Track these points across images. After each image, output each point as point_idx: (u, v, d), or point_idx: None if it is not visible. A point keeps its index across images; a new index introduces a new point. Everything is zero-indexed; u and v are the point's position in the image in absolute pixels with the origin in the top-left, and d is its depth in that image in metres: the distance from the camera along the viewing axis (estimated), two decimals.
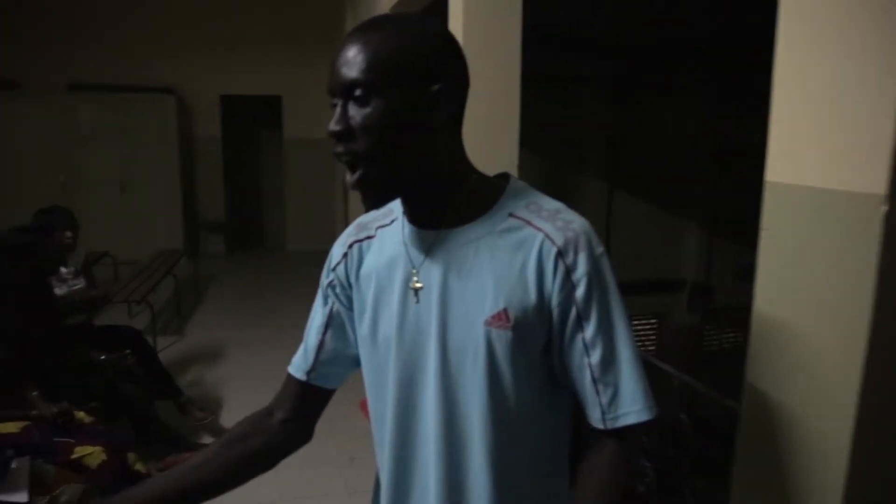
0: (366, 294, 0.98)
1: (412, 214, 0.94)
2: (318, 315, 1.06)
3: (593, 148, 5.79)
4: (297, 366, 1.06)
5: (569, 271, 0.86)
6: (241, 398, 3.89)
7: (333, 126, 0.84)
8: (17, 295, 2.99)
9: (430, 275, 0.91)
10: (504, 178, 0.96)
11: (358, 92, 0.83)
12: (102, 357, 3.29)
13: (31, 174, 7.43)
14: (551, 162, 5.37)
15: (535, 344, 0.89)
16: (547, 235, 0.87)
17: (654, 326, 5.51)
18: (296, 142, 8.45)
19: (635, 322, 3.07)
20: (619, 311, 0.88)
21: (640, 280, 5.40)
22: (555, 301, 0.87)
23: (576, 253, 0.86)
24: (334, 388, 1.08)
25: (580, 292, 0.86)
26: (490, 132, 2.73)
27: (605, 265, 0.88)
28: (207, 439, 3.44)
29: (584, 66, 5.24)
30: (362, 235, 1.02)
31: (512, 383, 0.89)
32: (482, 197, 0.92)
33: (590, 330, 0.87)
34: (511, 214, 0.90)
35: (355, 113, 0.84)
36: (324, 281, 1.05)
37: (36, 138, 7.49)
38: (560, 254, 0.86)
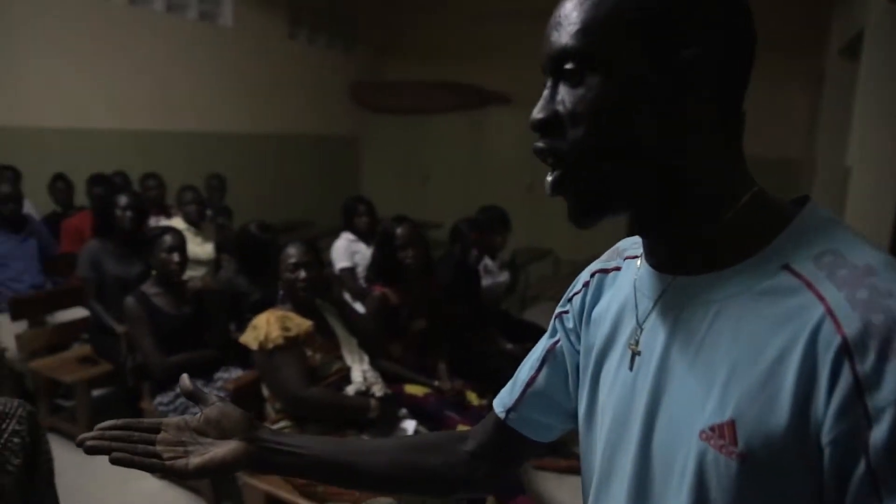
0: (594, 339, 0.75)
1: (647, 247, 0.68)
2: (538, 347, 0.85)
3: None
4: (501, 399, 0.87)
5: (861, 387, 0.49)
6: None
7: (535, 114, 0.62)
8: (445, 274, 3.45)
9: (654, 338, 0.65)
10: (800, 202, 0.61)
11: (569, 65, 0.59)
12: (508, 346, 3.54)
13: (508, 175, 8.60)
14: None
15: (786, 495, 0.54)
16: (830, 312, 0.51)
17: None
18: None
19: None
20: None
21: None
22: (827, 433, 0.50)
23: (883, 356, 0.48)
24: (537, 440, 0.86)
25: (881, 434, 0.47)
26: None
27: None
28: None
29: None
30: (610, 265, 0.78)
31: None
32: (752, 231, 0.59)
33: None
34: (787, 267, 0.56)
35: (566, 96, 0.60)
36: (557, 309, 0.84)
37: (517, 145, 8.61)
38: (847, 349, 0.49)
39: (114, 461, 0.76)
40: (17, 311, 3.50)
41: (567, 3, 0.61)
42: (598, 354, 0.74)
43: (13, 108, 4.92)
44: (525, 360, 0.87)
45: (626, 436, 0.66)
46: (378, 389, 2.43)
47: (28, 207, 4.23)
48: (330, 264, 4.05)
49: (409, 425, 2.37)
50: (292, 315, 2.38)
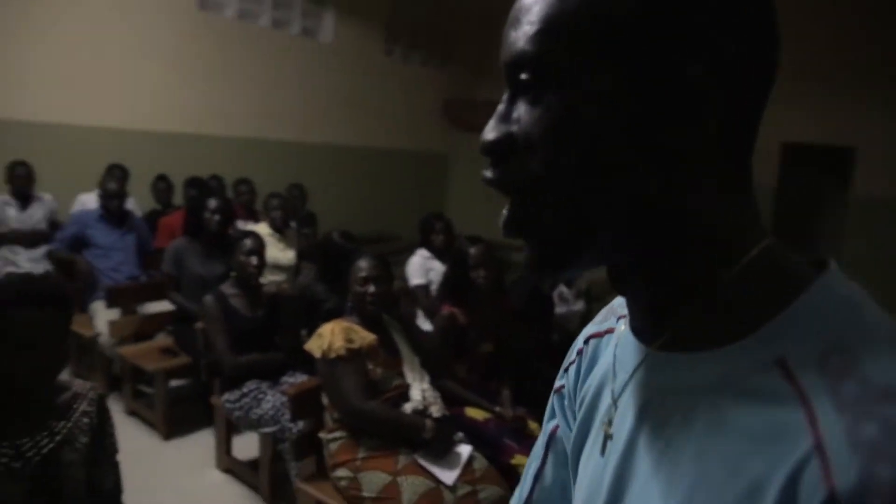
0: (579, 411, 0.63)
1: (627, 306, 0.55)
2: (542, 434, 0.73)
3: None
4: (514, 498, 0.76)
5: None
6: None
7: (485, 134, 0.49)
8: (519, 298, 3.41)
9: (623, 422, 0.53)
10: (819, 267, 0.47)
11: (524, 76, 0.46)
12: None
13: None
14: None
15: None
16: (820, 447, 0.38)
17: None
18: (868, 202, 7.23)
19: None
20: None
21: None
22: None
23: None
24: None
25: None
26: None
27: None
28: None
29: None
30: (603, 327, 0.64)
31: None
32: (750, 301, 0.45)
33: None
34: (781, 363, 0.42)
35: (523, 114, 0.47)
36: (556, 383, 0.70)
37: None
38: None
39: None
40: (112, 299, 3.74)
41: None
42: (580, 431, 0.61)
43: (128, 112, 5.30)
44: (534, 448, 0.74)
45: None
46: (436, 410, 2.41)
47: (131, 204, 4.51)
48: (404, 280, 4.09)
49: (465, 450, 2.34)
50: (357, 327, 2.41)
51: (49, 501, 1.43)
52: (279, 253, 4.21)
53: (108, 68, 5.22)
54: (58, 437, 1.46)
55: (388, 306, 2.60)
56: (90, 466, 1.53)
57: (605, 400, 0.57)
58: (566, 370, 0.68)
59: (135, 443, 3.17)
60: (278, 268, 4.17)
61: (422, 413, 2.36)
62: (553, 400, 0.69)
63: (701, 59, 0.43)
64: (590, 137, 0.45)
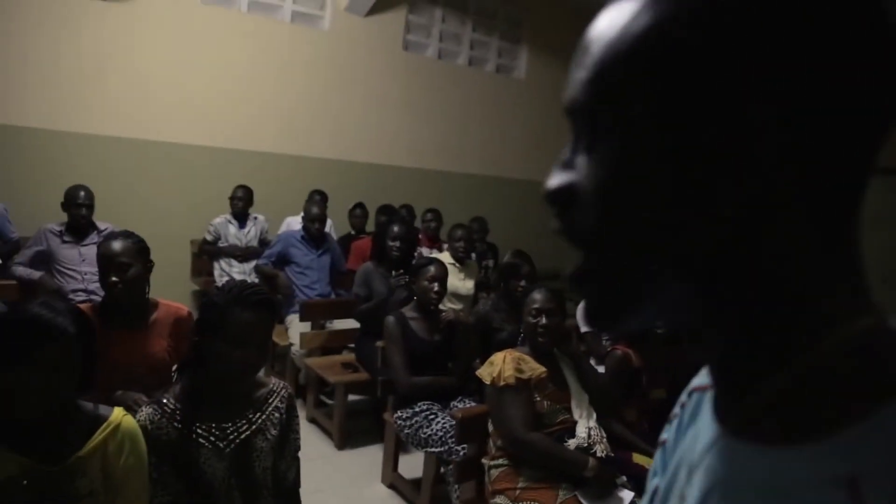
0: (669, 466, 0.57)
1: (711, 378, 0.48)
2: (645, 493, 0.66)
3: None
4: None
5: None
6: None
7: (549, 181, 0.46)
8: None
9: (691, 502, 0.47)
10: None
11: (579, 120, 0.44)
12: None
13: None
14: None
15: None
16: None
17: None
18: None
19: None
20: None
21: None
22: None
23: None
24: None
25: None
26: None
27: None
28: None
29: None
30: (708, 380, 0.56)
31: None
32: (836, 394, 0.38)
33: None
34: (852, 483, 0.34)
35: (581, 161, 0.44)
36: (661, 435, 0.63)
37: None
38: None
39: None
40: (305, 313, 4.10)
41: (591, 31, 0.43)
42: (665, 494, 0.55)
43: (332, 144, 5.85)
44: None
45: None
46: (600, 450, 2.35)
47: (328, 227, 4.93)
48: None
49: (626, 496, 2.25)
50: (528, 358, 2.43)
51: (243, 481, 1.60)
52: (459, 282, 4.35)
53: (316, 103, 5.81)
54: (253, 426, 1.64)
55: (559, 340, 2.59)
56: (276, 457, 1.70)
57: (684, 470, 0.51)
58: (670, 422, 0.61)
59: (311, 447, 3.42)
60: (457, 296, 4.31)
61: (586, 451, 2.32)
62: (657, 455, 0.61)
63: (765, 99, 0.36)
64: (640, 193, 0.40)
